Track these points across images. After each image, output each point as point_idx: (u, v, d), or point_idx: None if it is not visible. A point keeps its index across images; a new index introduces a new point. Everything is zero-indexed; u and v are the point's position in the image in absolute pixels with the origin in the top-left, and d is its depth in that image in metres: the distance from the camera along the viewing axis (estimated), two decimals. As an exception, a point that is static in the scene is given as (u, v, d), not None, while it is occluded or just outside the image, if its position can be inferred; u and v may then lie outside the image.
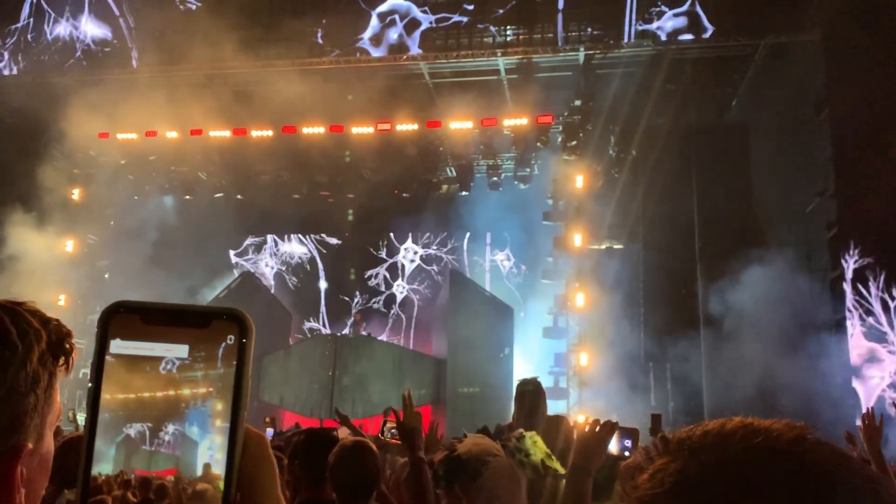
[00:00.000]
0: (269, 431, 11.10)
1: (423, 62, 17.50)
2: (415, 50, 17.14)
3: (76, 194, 19.05)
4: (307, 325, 21.80)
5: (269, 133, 18.06)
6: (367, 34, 17.35)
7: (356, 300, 21.58)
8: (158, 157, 18.77)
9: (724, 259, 14.86)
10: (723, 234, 15.78)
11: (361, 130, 17.72)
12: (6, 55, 18.88)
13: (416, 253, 21.48)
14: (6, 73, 18.97)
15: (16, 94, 17.17)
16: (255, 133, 18.08)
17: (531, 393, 4.42)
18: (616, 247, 17.82)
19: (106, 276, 19.78)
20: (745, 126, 16.95)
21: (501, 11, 17.15)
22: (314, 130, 17.83)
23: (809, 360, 13.97)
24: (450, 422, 16.29)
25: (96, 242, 19.60)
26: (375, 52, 17.30)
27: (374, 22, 17.37)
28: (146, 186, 19.45)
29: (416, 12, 17.43)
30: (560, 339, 17.03)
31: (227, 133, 18.12)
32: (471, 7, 17.38)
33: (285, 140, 18.11)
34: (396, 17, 17.34)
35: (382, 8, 17.40)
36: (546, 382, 16.51)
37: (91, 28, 18.72)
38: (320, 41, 17.20)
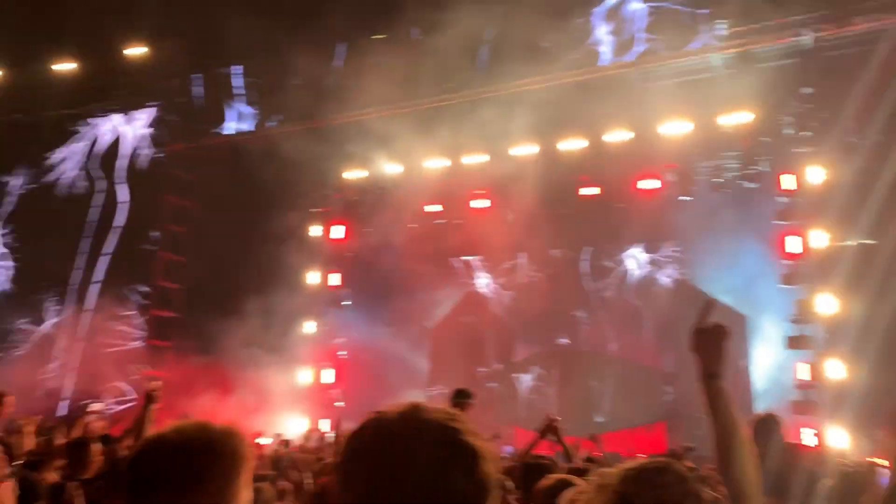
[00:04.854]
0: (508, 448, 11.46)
1: (633, 68, 17.11)
2: (641, 46, 16.74)
3: (318, 232, 21.21)
4: (537, 341, 21.75)
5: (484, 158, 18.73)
6: (593, 38, 17.28)
7: (580, 313, 21.11)
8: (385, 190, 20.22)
9: None
10: None
11: (569, 144, 17.76)
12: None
13: (640, 261, 20.59)
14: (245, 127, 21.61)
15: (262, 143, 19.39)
16: (464, 160, 18.92)
17: (766, 428, 4.08)
18: (869, 242, 15.92)
19: (347, 302, 21.46)
20: None
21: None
22: (523, 151, 18.16)
23: None
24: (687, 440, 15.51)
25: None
26: (604, 53, 17.18)
27: (600, 25, 17.25)
28: (374, 219, 20.77)
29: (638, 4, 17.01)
30: (805, 350, 15.51)
31: (447, 162, 19.10)
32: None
33: (498, 161, 18.56)
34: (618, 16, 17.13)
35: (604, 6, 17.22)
36: (793, 396, 15.19)
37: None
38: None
